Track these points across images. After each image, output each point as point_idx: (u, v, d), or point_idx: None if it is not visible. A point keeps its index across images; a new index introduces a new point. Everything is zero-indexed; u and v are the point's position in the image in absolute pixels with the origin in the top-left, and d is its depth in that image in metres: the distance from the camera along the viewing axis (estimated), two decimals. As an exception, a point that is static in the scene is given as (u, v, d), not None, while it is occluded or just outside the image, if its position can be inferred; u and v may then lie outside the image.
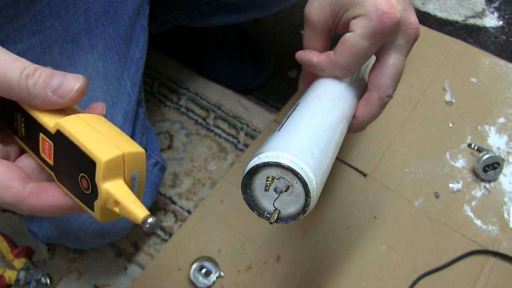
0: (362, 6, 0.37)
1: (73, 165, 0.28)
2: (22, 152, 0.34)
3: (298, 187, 0.30)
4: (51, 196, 0.30)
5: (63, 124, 0.28)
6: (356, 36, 0.37)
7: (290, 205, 0.31)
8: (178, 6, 0.73)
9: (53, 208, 0.30)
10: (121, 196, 0.27)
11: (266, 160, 0.30)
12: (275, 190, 0.31)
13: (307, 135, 0.33)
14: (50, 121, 0.29)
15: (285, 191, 0.31)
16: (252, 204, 0.32)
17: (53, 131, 0.29)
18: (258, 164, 0.30)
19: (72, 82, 0.30)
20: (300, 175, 0.29)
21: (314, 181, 0.30)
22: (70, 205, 0.30)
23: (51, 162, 0.29)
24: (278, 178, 0.30)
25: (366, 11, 0.37)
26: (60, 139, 0.28)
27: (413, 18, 0.39)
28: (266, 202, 0.32)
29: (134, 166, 0.28)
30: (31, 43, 0.53)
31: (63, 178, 0.29)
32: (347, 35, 0.38)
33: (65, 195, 0.30)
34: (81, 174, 0.28)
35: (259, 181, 0.31)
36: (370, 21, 0.36)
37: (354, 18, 0.38)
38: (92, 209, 0.28)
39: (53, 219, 0.61)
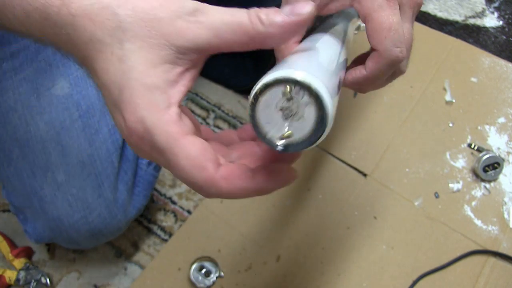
0: None
1: None
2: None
3: (311, 107, 0.27)
4: (242, 180, 0.28)
5: None
6: (375, 15, 0.35)
7: (302, 131, 0.28)
8: None
9: (242, 191, 0.29)
10: None
11: (277, 76, 0.27)
12: (285, 115, 0.28)
13: (316, 59, 0.32)
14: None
15: (295, 114, 0.28)
16: (263, 136, 0.29)
17: None
18: (268, 81, 0.27)
19: (302, 4, 0.29)
20: (317, 90, 0.27)
21: (330, 100, 0.27)
22: (258, 186, 0.29)
23: None
24: (289, 100, 0.28)
25: None
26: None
27: None
28: (275, 131, 0.29)
29: None
30: (25, 43, 0.53)
31: None
32: (369, 24, 0.36)
33: (254, 177, 0.29)
34: None
35: (265, 102, 0.28)
36: None
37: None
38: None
39: (46, 220, 0.61)
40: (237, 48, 0.29)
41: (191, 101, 0.88)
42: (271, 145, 0.29)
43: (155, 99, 0.27)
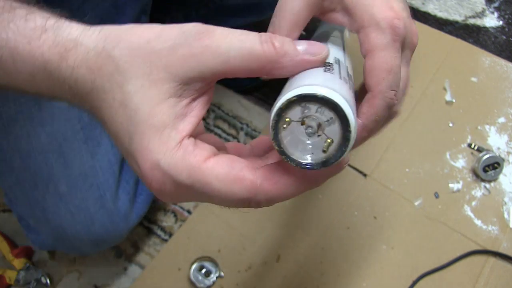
0: (369, 14, 0.34)
1: None
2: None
3: (334, 121, 0.27)
4: (288, 174, 0.26)
5: None
6: (379, 53, 0.34)
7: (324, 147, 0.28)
8: (176, 7, 0.73)
9: (292, 187, 0.27)
10: None
11: (295, 94, 0.26)
12: (309, 133, 0.27)
13: (322, 74, 0.30)
14: None
15: (317, 131, 0.27)
16: (294, 160, 0.28)
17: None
18: (287, 100, 0.26)
19: (320, 45, 0.28)
20: (337, 103, 0.26)
21: (354, 121, 0.27)
22: (309, 175, 0.27)
23: None
24: (303, 120, 0.27)
25: (374, 20, 0.34)
26: None
27: (414, 27, 0.37)
28: (301, 153, 0.28)
29: None
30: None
31: None
32: (370, 61, 0.34)
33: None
34: None
35: (287, 123, 0.27)
36: (383, 32, 0.34)
37: (360, 28, 0.35)
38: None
39: (49, 229, 0.60)
40: (243, 74, 0.27)
41: (191, 101, 0.88)
42: (298, 164, 0.28)
43: (166, 138, 0.26)
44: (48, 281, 0.72)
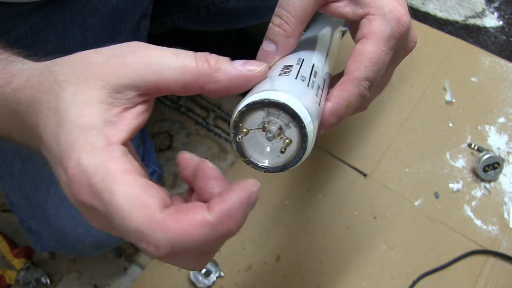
0: (378, 3, 0.33)
1: None
2: None
3: (291, 126, 0.27)
4: (196, 213, 0.23)
5: None
6: (374, 42, 0.33)
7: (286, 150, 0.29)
8: (177, 9, 0.73)
9: (198, 228, 0.23)
10: None
11: (254, 100, 0.27)
12: (268, 138, 0.28)
13: (289, 77, 0.31)
14: None
15: (278, 136, 0.28)
16: (251, 161, 0.29)
17: None
18: (247, 105, 0.27)
19: (257, 62, 0.29)
20: (292, 109, 0.27)
21: (309, 117, 0.27)
22: (220, 214, 0.24)
23: None
24: (264, 126, 0.28)
25: (382, 10, 0.33)
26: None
27: (414, 32, 0.36)
28: (259, 155, 0.29)
29: None
30: (25, 55, 0.54)
31: None
32: (361, 46, 0.33)
33: (211, 206, 0.24)
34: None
35: (247, 126, 0.28)
36: (388, 23, 0.33)
37: (365, 15, 0.34)
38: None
39: (51, 232, 0.60)
40: (177, 89, 0.27)
41: (191, 101, 0.88)
42: (256, 166, 0.29)
43: (91, 139, 0.25)
44: (48, 281, 0.72)
